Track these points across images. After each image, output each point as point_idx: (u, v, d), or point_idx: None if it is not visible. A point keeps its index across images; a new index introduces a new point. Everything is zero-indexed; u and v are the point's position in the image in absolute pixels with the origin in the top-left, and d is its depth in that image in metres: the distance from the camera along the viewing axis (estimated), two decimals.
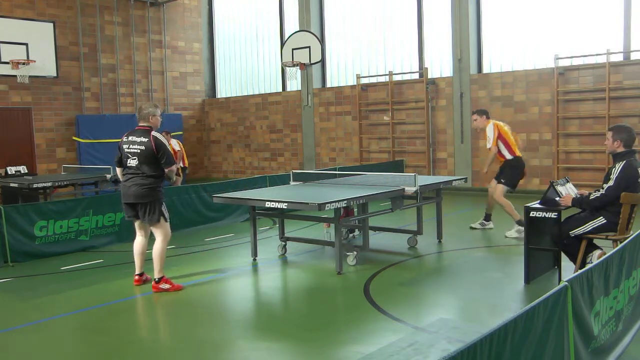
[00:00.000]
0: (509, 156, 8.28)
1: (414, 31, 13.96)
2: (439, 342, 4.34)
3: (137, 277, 6.21)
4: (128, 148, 5.90)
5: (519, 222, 7.89)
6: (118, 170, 6.15)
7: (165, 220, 5.97)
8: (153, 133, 5.86)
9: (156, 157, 5.80)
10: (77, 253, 7.85)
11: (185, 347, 4.56)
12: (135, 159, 5.86)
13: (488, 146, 8.34)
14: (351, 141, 14.97)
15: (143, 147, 5.81)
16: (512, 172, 8.30)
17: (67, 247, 7.85)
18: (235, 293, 5.98)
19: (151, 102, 10.66)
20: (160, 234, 5.97)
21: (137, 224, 6.13)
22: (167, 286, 5.96)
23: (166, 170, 5.87)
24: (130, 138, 5.93)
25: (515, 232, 8.02)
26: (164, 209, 5.95)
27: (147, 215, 5.89)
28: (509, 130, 8.46)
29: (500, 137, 8.27)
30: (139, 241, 6.15)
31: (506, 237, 8.03)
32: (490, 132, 8.28)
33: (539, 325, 2.77)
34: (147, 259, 6.20)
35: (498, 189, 8.27)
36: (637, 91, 10.78)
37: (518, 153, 8.36)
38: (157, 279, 5.96)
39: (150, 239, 6.16)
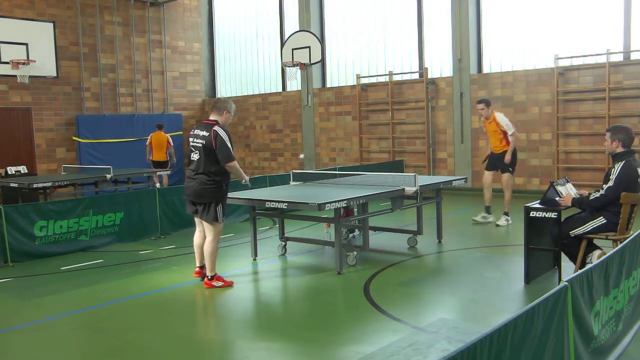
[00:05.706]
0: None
1: (414, 31, 13.95)
2: (439, 342, 4.34)
3: (197, 270, 6.29)
4: (193, 141, 5.92)
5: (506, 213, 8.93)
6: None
7: (219, 222, 5.95)
8: (215, 127, 5.81)
9: (215, 152, 5.76)
10: (77, 253, 7.85)
11: (186, 347, 4.56)
12: (197, 153, 5.86)
13: (511, 132, 8.79)
14: (351, 141, 14.97)
15: (204, 142, 5.79)
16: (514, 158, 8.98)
17: (67, 247, 7.85)
18: (235, 293, 5.98)
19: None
20: (211, 233, 5.98)
21: (196, 219, 6.18)
22: (219, 284, 6.01)
23: (226, 166, 5.81)
24: (195, 132, 5.95)
25: (504, 220, 8.90)
26: (219, 209, 5.89)
27: (204, 213, 5.92)
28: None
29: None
30: (197, 235, 6.22)
31: (497, 225, 8.85)
32: (504, 119, 8.85)
33: (539, 325, 2.77)
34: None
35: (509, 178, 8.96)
36: (637, 91, 10.77)
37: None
38: (209, 277, 6.02)
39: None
